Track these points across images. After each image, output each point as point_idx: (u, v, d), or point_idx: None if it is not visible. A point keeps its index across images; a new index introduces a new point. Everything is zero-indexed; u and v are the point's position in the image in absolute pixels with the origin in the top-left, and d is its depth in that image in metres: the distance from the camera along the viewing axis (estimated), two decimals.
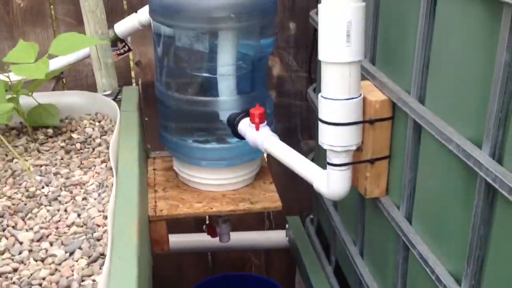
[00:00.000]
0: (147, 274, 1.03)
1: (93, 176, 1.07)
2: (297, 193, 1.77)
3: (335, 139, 0.91)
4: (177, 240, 1.81)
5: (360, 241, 1.11)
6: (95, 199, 0.99)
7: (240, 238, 1.82)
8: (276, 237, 1.76)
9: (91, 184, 1.04)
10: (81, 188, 1.03)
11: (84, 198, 0.99)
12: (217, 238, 1.64)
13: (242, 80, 1.26)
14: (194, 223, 1.87)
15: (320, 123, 0.93)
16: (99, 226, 0.91)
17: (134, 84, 1.75)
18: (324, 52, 0.89)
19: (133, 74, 1.79)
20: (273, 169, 1.81)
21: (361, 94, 0.91)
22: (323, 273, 1.33)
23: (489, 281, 0.68)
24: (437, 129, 0.75)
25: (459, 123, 0.72)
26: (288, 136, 1.78)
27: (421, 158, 0.84)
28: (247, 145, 1.19)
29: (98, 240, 0.87)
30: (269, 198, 1.28)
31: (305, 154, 1.56)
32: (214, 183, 1.30)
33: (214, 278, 1.79)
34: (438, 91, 0.78)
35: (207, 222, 1.56)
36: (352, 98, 0.90)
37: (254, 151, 1.23)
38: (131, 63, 1.77)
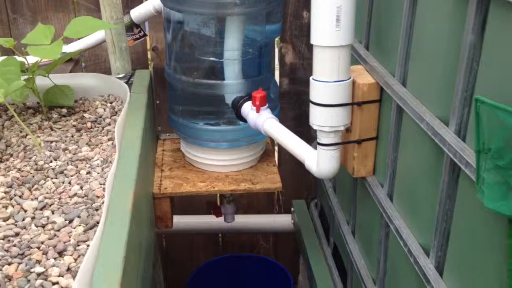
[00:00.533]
0: (146, 247, 1.09)
1: (99, 152, 1.13)
2: (306, 178, 1.81)
3: (324, 120, 0.95)
4: (189, 221, 1.87)
5: (352, 221, 1.15)
6: (98, 173, 1.05)
7: (249, 221, 1.87)
8: (283, 221, 1.81)
9: (96, 160, 1.10)
10: (87, 163, 1.09)
11: (88, 172, 1.05)
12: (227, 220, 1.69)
13: (247, 65, 1.30)
14: (206, 206, 1.93)
15: (311, 105, 0.97)
16: (98, 197, 0.96)
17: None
18: (315, 36, 0.92)
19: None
20: (284, 154, 1.86)
21: (350, 77, 0.95)
22: (322, 254, 1.37)
23: (453, 252, 0.71)
24: (413, 109, 0.78)
25: (433, 103, 0.75)
26: (300, 123, 1.82)
27: (402, 139, 0.87)
28: (251, 128, 1.23)
29: (97, 210, 0.93)
30: (270, 179, 1.33)
31: (315, 140, 1.59)
32: (218, 164, 1.35)
33: (219, 258, 1.84)
34: (417, 74, 0.81)
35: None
36: (341, 81, 0.93)
37: (258, 133, 1.28)
38: (148, 48, 1.83)
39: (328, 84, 0.93)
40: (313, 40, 0.93)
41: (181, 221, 1.86)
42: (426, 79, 0.77)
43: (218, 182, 1.31)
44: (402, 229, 0.83)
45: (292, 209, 1.65)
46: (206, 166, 1.36)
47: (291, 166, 1.92)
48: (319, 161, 1.00)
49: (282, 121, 1.81)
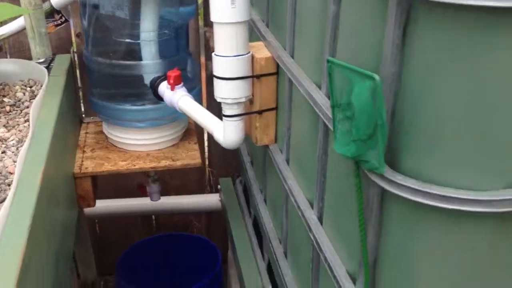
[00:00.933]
0: (63, 224, 1.13)
1: (15, 133, 1.16)
2: (234, 157, 1.87)
3: (226, 92, 1.01)
4: (121, 204, 1.91)
5: (264, 189, 1.22)
6: (12, 152, 1.07)
7: (181, 201, 1.92)
8: (213, 200, 1.87)
9: (12, 140, 1.12)
10: (2, 143, 1.11)
11: (3, 152, 1.08)
12: (159, 202, 1.74)
13: (164, 45, 1.35)
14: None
15: (214, 79, 1.03)
16: (11, 173, 0.99)
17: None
18: (213, 13, 0.98)
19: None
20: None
21: (249, 52, 1.01)
22: (244, 226, 1.44)
23: (328, 201, 0.79)
24: (296, 77, 0.85)
25: (311, 70, 0.83)
26: None
27: (293, 107, 0.94)
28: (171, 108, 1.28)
29: (9, 185, 0.96)
30: (190, 156, 1.38)
31: None
32: (139, 143, 1.40)
33: (150, 238, 1.88)
34: (300, 45, 0.89)
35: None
36: (240, 55, 0.99)
37: (177, 112, 1.33)
38: (73, 35, 1.85)
39: (228, 58, 0.99)
40: (212, 18, 0.99)
41: (113, 204, 1.90)
42: (306, 49, 0.85)
43: (139, 160, 1.36)
44: (293, 188, 0.91)
45: (219, 187, 1.72)
46: (128, 146, 1.41)
47: (221, 147, 1.98)
48: (225, 132, 1.06)
49: (209, 103, 1.88)
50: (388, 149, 0.58)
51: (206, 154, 2.04)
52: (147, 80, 1.33)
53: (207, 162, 2.06)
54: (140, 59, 1.34)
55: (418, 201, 0.54)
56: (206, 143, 2.03)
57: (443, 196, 0.53)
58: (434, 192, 0.53)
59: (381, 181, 0.57)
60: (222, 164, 2.00)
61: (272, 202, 1.17)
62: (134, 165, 1.34)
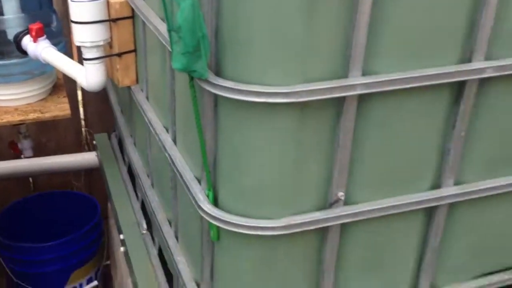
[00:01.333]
0: None
1: None
2: (110, 115, 1.91)
3: (84, 36, 1.07)
4: None
5: (133, 133, 1.30)
6: None
7: (58, 161, 1.93)
8: (90, 158, 1.90)
9: None
10: None
11: None
12: (35, 163, 1.75)
13: (26, 1, 1.37)
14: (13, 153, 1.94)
15: (72, 24, 1.08)
16: None
17: None
18: None
19: None
20: (88, 94, 1.94)
21: None
22: (119, 174, 1.51)
23: (179, 122, 0.89)
24: (147, 17, 0.93)
25: (157, 7, 0.91)
26: None
27: (147, 46, 1.03)
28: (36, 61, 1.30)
29: None
30: (59, 108, 1.42)
31: None
32: (6, 98, 1.41)
33: (25, 199, 1.88)
34: None
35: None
36: (95, 0, 1.05)
37: (46, 65, 1.35)
38: None
39: (83, 3, 1.05)
40: None
41: None
42: None
43: (7, 115, 1.38)
44: (152, 118, 1.00)
45: (94, 142, 1.75)
46: None
47: (96, 105, 2.00)
48: (87, 75, 1.12)
49: (80, 60, 1.88)
50: (215, 62, 0.69)
51: (82, 114, 2.06)
52: (11, 35, 1.35)
53: (83, 122, 2.08)
54: (1, 14, 1.34)
55: (236, 98, 0.65)
56: (81, 104, 2.04)
57: (253, 91, 0.64)
58: (246, 89, 0.64)
59: (208, 86, 0.68)
60: (99, 123, 2.03)
61: (139, 142, 1.25)
62: (2, 119, 1.36)
